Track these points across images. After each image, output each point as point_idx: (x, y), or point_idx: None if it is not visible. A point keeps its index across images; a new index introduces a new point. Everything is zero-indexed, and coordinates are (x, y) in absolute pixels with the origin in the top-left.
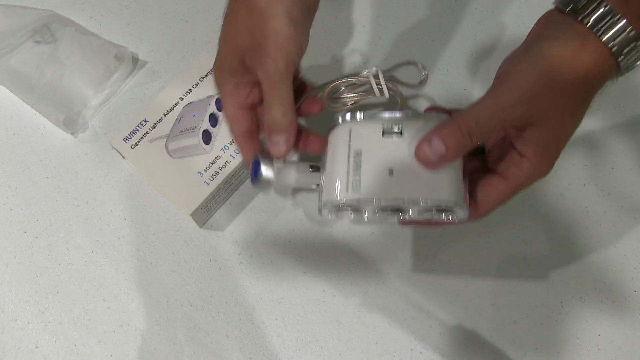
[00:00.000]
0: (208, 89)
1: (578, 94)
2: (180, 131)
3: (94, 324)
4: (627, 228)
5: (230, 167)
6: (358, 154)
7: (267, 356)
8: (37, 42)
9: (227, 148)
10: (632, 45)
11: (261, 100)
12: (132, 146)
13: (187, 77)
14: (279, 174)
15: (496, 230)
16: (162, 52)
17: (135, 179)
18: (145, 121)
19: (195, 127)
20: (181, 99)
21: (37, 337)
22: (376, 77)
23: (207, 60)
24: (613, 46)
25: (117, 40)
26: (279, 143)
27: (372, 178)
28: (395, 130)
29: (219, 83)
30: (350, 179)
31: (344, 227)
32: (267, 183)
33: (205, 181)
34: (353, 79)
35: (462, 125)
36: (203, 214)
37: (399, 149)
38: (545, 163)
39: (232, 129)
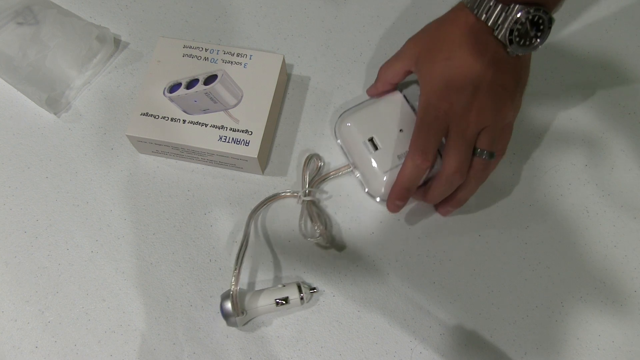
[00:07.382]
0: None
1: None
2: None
3: (94, 324)
4: (627, 228)
5: None
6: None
7: (267, 356)
8: (20, 23)
9: None
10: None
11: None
12: None
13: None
14: (246, 315)
15: (496, 230)
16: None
17: (135, 178)
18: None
19: None
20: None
21: (37, 337)
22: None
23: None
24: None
25: (99, 21)
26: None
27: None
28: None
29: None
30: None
31: (344, 227)
32: (234, 323)
33: None
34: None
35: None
36: None
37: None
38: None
39: None
